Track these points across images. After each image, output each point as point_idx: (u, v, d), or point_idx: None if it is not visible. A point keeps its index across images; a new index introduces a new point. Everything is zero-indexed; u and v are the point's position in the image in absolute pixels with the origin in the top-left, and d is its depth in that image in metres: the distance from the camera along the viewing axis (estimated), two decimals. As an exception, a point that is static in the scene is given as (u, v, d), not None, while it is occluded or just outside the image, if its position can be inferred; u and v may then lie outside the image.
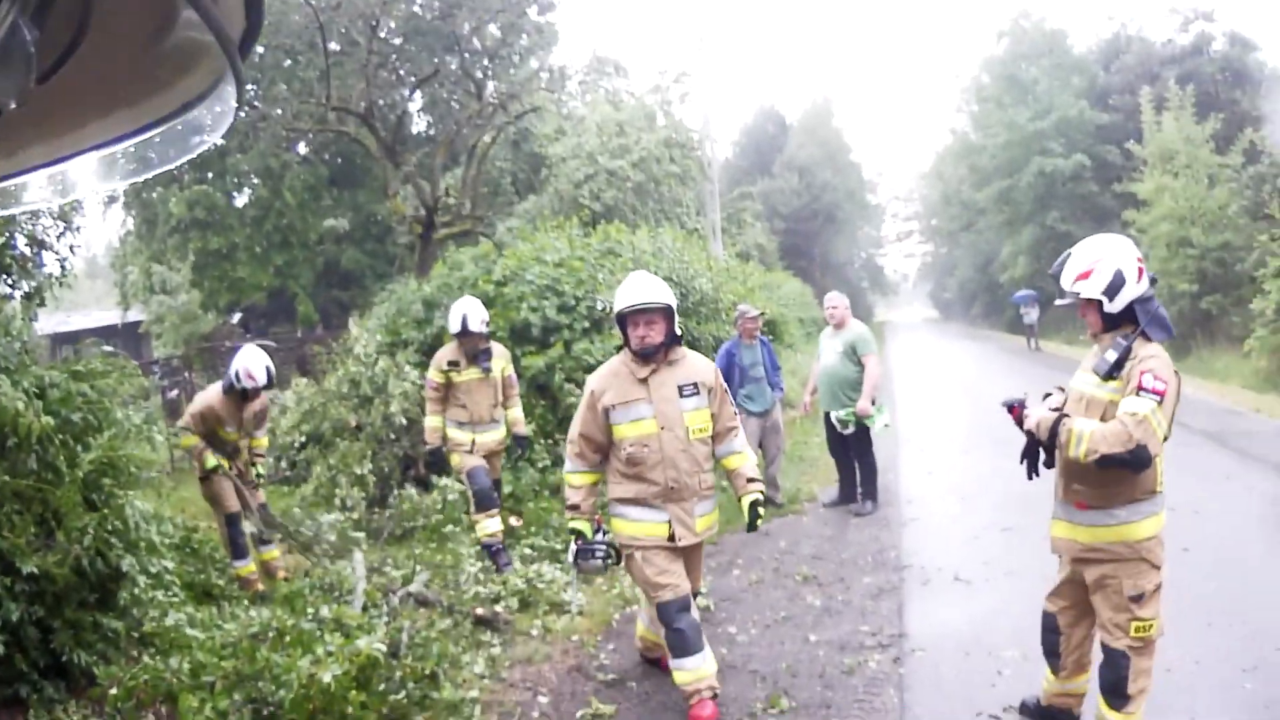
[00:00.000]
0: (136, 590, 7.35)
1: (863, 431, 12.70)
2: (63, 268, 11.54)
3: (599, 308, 14.44)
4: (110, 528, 7.05)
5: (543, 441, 13.72)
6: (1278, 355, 23.67)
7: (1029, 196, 52.41)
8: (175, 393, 20.74)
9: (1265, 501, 12.59)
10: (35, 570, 6.34)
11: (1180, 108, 34.83)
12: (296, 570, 11.01)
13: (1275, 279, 23.42)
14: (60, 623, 6.68)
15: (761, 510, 7.17)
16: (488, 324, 11.17)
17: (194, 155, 1.22)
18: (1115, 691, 5.67)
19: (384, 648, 6.64)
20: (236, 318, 39.65)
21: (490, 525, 10.70)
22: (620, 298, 7.06)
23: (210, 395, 10.80)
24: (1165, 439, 5.34)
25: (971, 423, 20.79)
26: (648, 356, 6.94)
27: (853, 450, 12.94)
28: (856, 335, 12.67)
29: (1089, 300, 5.53)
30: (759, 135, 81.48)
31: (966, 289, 77.69)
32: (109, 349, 9.12)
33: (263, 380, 10.46)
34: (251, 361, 10.50)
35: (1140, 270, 5.49)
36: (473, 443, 11.04)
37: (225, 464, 10.58)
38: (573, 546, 7.34)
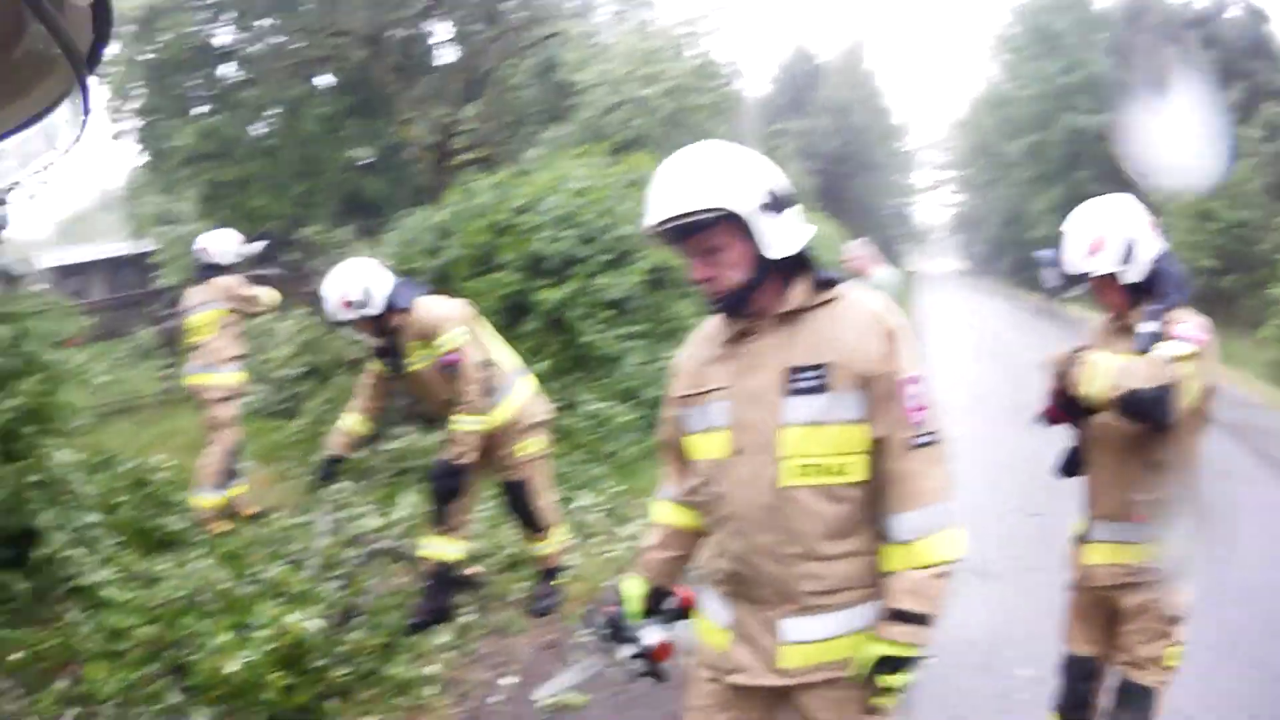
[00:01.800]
0: (52, 548, 6.53)
1: None
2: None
3: None
4: (30, 480, 6.33)
5: (554, 383, 12.35)
6: (1293, 348, 22.02)
7: (1059, 154, 51.16)
8: (175, 323, 19.76)
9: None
10: (-83, 530, 5.65)
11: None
12: (278, 505, 10.30)
13: None
14: (-42, 584, 6.22)
15: (892, 680, 3.37)
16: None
17: (43, 168, 1.11)
18: None
19: (319, 623, 6.07)
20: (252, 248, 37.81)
21: (545, 545, 7.73)
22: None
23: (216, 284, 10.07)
24: (1199, 419, 4.57)
25: (1000, 391, 19.24)
26: (731, 310, 3.51)
27: None
28: (878, 280, 11.18)
29: (1103, 277, 4.74)
30: (795, 73, 79.44)
31: (995, 243, 76.26)
32: (42, 287, 8.66)
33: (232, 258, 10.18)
34: (211, 237, 10.37)
35: (1150, 226, 4.74)
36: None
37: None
38: (596, 614, 4.18)
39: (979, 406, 17.33)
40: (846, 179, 70.93)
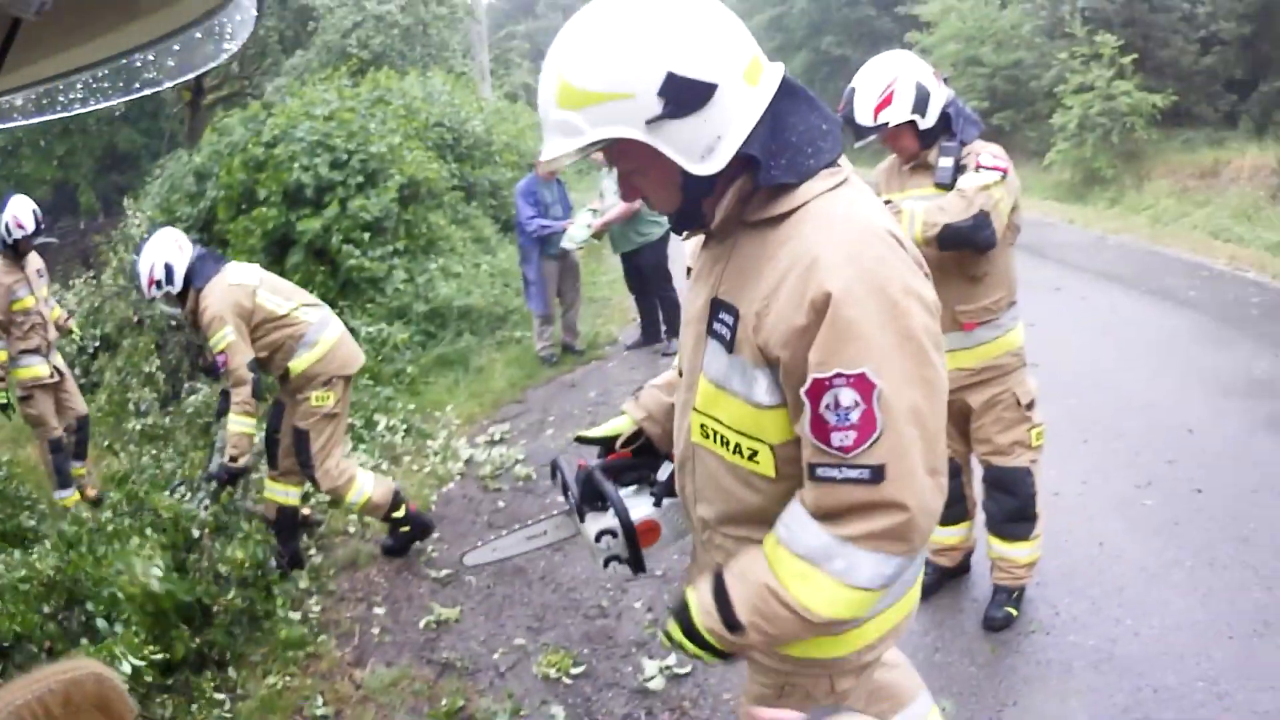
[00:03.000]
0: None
1: (660, 265, 11.47)
2: None
3: None
4: None
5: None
6: (1080, 167, 23.28)
7: (801, 23, 49.39)
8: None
9: (1100, 311, 11.63)
10: None
11: (974, -71, 33.58)
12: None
13: (1075, 95, 22.93)
14: None
15: (676, 636, 2.58)
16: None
17: (216, 64, 1.10)
18: (1021, 516, 5.14)
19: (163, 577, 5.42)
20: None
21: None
22: None
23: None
24: (1011, 233, 4.90)
25: None
26: (680, 229, 2.59)
27: (652, 285, 11.65)
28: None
29: (899, 126, 4.85)
30: (523, -25, 78.57)
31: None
32: None
33: (31, 225, 8.61)
34: (17, 208, 8.64)
35: (935, 74, 4.94)
36: None
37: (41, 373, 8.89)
38: (563, 467, 3.02)
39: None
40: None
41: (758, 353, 2.25)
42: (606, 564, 2.82)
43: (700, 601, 2.47)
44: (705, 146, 2.17)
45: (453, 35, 30.77)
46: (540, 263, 11.46)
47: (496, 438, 9.32)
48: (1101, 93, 22.11)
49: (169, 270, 6.52)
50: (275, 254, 12.48)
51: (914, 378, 2.12)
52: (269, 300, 6.70)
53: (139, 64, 1.05)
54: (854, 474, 2.13)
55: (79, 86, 1.05)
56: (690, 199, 2.35)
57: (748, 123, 2.20)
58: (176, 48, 1.04)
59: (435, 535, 7.26)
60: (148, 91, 1.09)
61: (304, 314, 6.80)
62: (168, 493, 7.01)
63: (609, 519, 2.77)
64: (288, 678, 5.49)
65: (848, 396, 2.08)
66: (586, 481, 2.84)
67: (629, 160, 2.31)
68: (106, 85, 1.06)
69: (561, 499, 3.05)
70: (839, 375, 2.08)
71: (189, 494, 7.20)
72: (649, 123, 2.13)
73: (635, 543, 2.79)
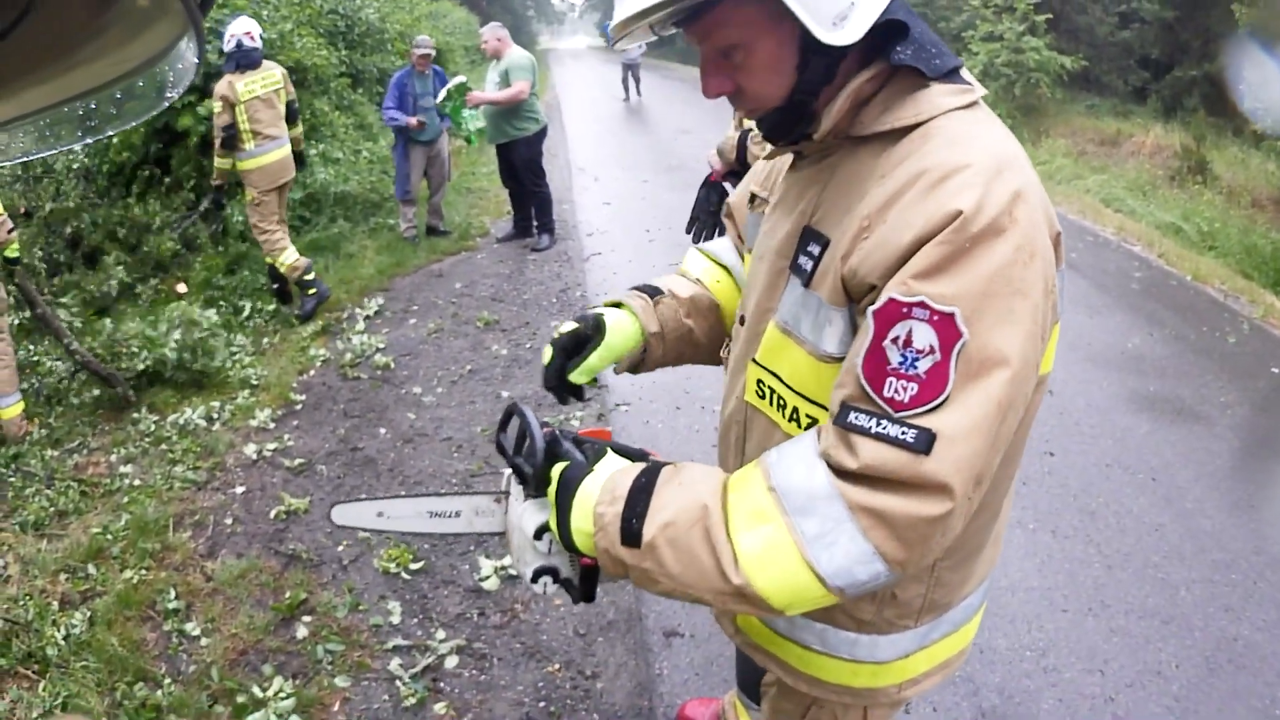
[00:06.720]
0: None
1: (533, 160, 11.57)
2: None
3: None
4: None
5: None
6: (986, 115, 23.33)
7: None
8: None
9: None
10: None
11: None
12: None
13: (983, 42, 23.28)
14: None
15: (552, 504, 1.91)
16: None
17: (157, 111, 1.05)
18: None
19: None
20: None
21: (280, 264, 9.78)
22: None
23: None
24: None
25: (647, 149, 18.61)
26: (779, 135, 1.96)
27: (525, 179, 11.65)
28: (510, 62, 11.25)
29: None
30: None
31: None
32: None
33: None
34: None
35: None
36: None
37: None
38: (520, 416, 2.10)
39: (632, 166, 17.11)
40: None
41: (839, 286, 1.72)
42: (537, 577, 2.04)
43: (607, 485, 1.81)
44: (838, 10, 1.62)
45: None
46: (406, 149, 11.70)
47: (360, 324, 9.28)
48: (1010, 44, 22.32)
49: (227, 40, 8.94)
50: (162, 147, 12.17)
51: (1013, 349, 1.55)
52: (247, 111, 8.95)
53: (81, 111, 1.03)
54: (896, 431, 1.55)
55: (24, 134, 1.03)
56: (804, 87, 1.77)
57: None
58: (119, 95, 1.03)
59: (294, 424, 7.25)
60: (91, 139, 1.09)
61: (270, 129, 9.21)
62: None
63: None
64: (143, 571, 5.40)
65: (923, 337, 1.55)
66: (551, 449, 1.98)
67: (730, 30, 1.73)
68: (49, 134, 1.06)
69: (505, 465, 2.14)
70: (923, 305, 1.54)
71: None
72: None
73: (595, 566, 1.99)
